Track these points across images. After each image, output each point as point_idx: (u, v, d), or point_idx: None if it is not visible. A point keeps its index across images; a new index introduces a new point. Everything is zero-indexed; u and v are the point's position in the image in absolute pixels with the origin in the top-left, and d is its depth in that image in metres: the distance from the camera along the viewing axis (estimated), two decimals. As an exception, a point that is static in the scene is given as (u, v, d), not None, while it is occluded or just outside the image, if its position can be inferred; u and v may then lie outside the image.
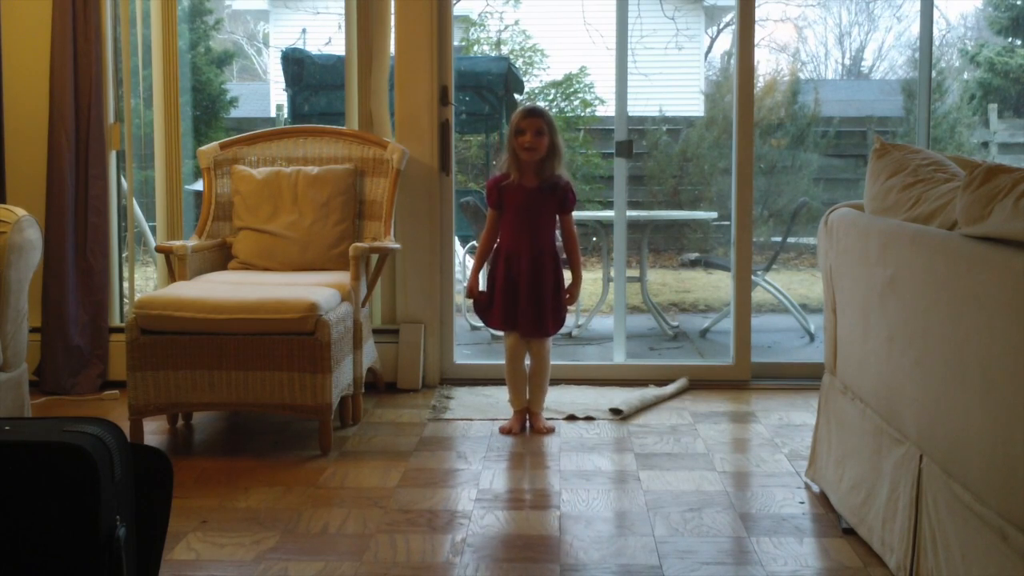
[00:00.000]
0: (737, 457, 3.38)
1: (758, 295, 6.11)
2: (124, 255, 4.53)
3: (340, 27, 4.47)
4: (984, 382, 1.86)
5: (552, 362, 3.74)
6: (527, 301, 3.59)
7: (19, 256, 3.05)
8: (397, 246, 3.97)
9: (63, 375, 4.18)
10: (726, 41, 12.27)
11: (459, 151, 9.23)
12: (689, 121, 9.65)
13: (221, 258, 4.00)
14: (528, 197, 3.59)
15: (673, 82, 10.14)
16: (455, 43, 4.55)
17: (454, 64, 4.37)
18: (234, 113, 8.92)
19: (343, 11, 4.36)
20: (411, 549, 2.56)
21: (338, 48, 7.54)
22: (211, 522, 2.74)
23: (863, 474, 2.56)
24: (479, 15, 10.77)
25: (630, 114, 4.55)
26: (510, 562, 2.49)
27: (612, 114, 4.77)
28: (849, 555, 2.51)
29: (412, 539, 2.62)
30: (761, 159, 8.89)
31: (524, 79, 9.97)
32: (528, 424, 3.70)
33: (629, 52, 4.50)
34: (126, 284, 4.53)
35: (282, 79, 7.44)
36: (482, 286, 3.73)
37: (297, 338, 3.28)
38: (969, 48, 11.10)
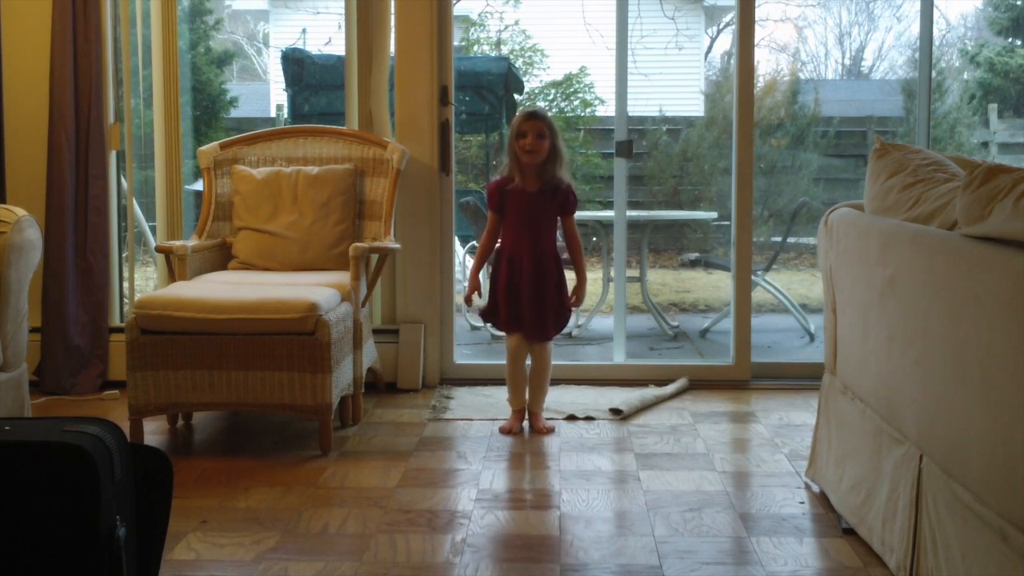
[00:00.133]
0: (737, 457, 3.38)
1: (758, 295, 6.11)
2: (124, 255, 4.53)
3: (340, 27, 4.47)
4: (984, 382, 1.86)
5: (552, 362, 3.74)
6: (530, 304, 3.59)
7: (19, 256, 3.05)
8: (397, 246, 3.97)
9: (63, 375, 4.18)
10: (726, 41, 12.27)
11: (459, 151, 9.23)
12: (689, 121, 9.65)
13: (221, 258, 4.00)
14: (529, 200, 3.60)
15: (673, 82, 10.14)
16: (455, 43, 4.55)
17: (454, 64, 4.37)
18: (234, 113, 8.92)
19: (343, 11, 4.36)
20: (411, 549, 2.56)
21: (338, 48, 7.53)
22: (211, 522, 2.74)
23: (863, 474, 2.56)
24: (479, 15, 10.77)
25: (630, 114, 4.55)
26: (510, 562, 2.49)
27: (612, 114, 4.77)
28: (849, 555, 2.51)
29: (412, 539, 2.62)
30: (761, 159, 8.89)
31: (524, 79, 9.97)
32: (528, 424, 3.70)
33: (629, 52, 4.50)
34: (126, 284, 4.53)
35: (282, 79, 7.43)
36: (483, 288, 3.73)
37: (297, 338, 3.28)
38: (969, 48, 11.10)
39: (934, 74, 8.57)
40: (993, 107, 9.52)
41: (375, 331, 4.21)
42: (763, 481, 3.10)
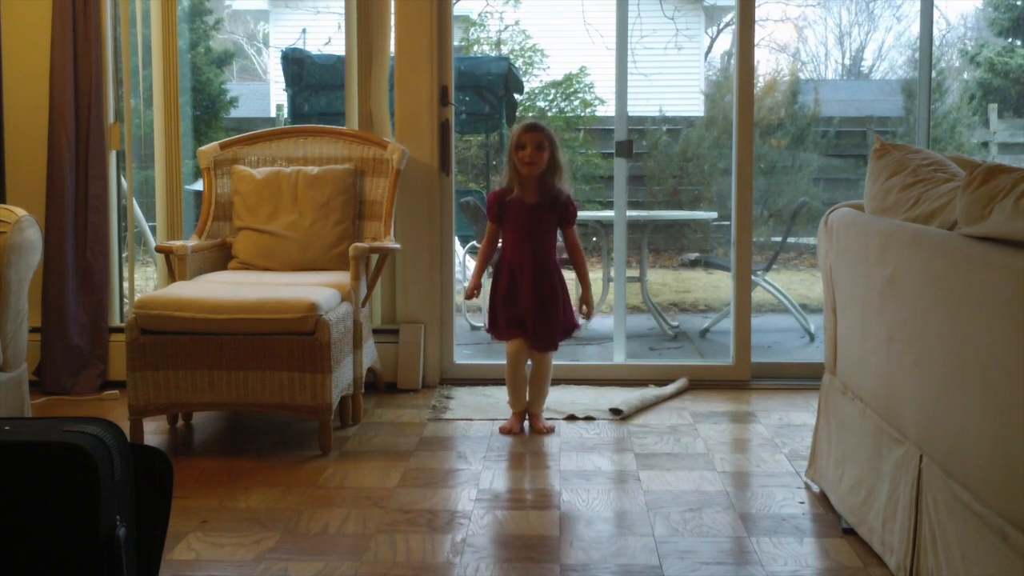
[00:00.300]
0: (737, 457, 3.38)
1: (758, 295, 6.11)
2: (124, 255, 4.53)
3: (340, 27, 4.47)
4: (984, 382, 1.86)
5: (552, 362, 3.74)
6: (533, 313, 3.59)
7: (19, 256, 3.05)
8: (397, 246, 3.97)
9: (63, 375, 4.18)
10: (726, 41, 12.27)
11: (459, 151, 9.23)
12: (689, 121, 9.65)
13: (221, 258, 4.00)
14: (529, 212, 3.60)
15: (673, 82, 10.15)
16: (455, 43, 4.55)
17: (454, 64, 4.37)
18: (234, 113, 8.92)
19: (343, 11, 4.36)
20: (411, 549, 2.56)
21: (338, 48, 7.54)
22: (211, 522, 2.74)
23: (863, 474, 2.56)
24: (479, 15, 10.77)
25: (630, 114, 4.55)
26: (510, 562, 2.49)
27: (612, 114, 4.77)
28: (849, 555, 2.51)
29: (412, 539, 2.62)
30: (761, 159, 8.89)
31: (524, 79, 9.97)
32: (528, 424, 3.70)
33: (629, 52, 4.50)
34: (126, 284, 4.53)
35: (282, 79, 7.43)
36: (485, 289, 3.74)
37: (297, 338, 3.28)
38: (969, 48, 11.10)
39: (934, 74, 8.57)
40: (993, 107, 9.52)
41: (375, 331, 4.21)
42: (763, 481, 3.10)
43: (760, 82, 9.68)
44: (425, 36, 4.25)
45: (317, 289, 3.44)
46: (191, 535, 2.64)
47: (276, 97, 10.49)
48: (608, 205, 7.99)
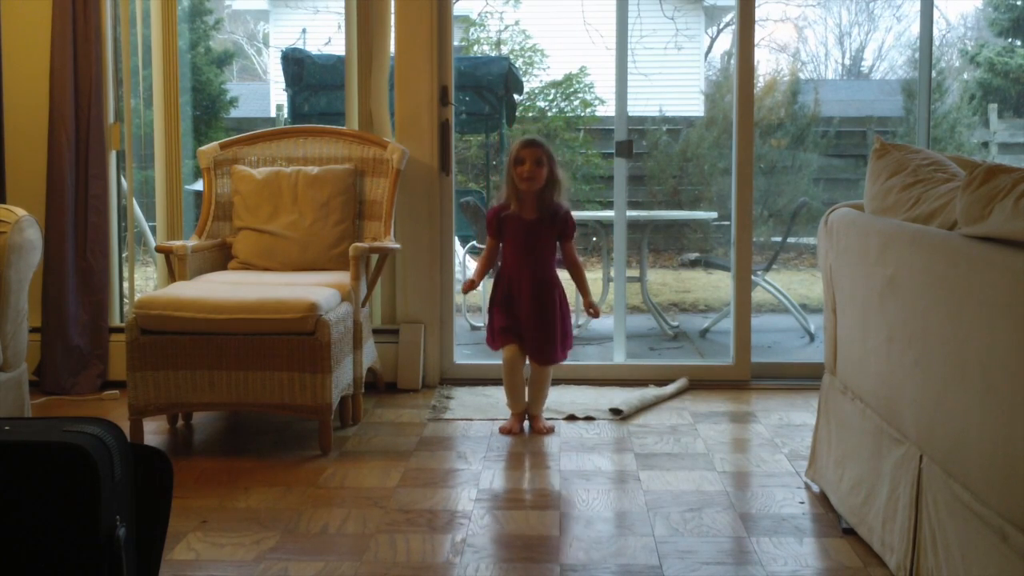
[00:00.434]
0: (737, 457, 3.38)
1: (758, 295, 6.11)
2: (124, 255, 4.53)
3: (340, 27, 4.47)
4: (984, 382, 1.86)
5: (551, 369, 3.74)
6: (533, 325, 3.60)
7: (19, 256, 3.05)
8: (397, 246, 3.97)
9: (63, 375, 4.18)
10: (726, 41, 12.28)
11: (459, 151, 9.23)
12: (689, 121, 9.65)
13: (221, 258, 4.00)
14: (528, 227, 3.60)
15: (673, 82, 10.15)
16: (455, 43, 4.55)
17: (454, 64, 4.37)
18: (234, 113, 8.92)
19: (343, 11, 4.36)
20: (411, 549, 2.56)
21: (338, 48, 7.54)
22: (211, 522, 2.74)
23: (863, 474, 2.56)
24: (479, 15, 10.76)
25: (630, 114, 4.55)
26: (510, 562, 2.49)
27: (612, 114, 4.77)
28: (849, 555, 2.51)
29: (412, 539, 2.62)
30: (761, 159, 8.89)
31: (524, 79, 9.97)
32: (528, 424, 3.70)
33: (629, 52, 4.50)
34: (126, 284, 4.53)
35: (282, 79, 7.44)
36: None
37: (297, 338, 3.28)
38: (969, 48, 11.10)
39: (934, 74, 8.57)
40: (993, 107, 9.52)
41: (375, 331, 4.21)
42: (763, 481, 3.10)
43: (760, 82, 9.68)
44: (425, 36, 4.25)
45: (317, 289, 3.44)
46: (191, 535, 2.64)
47: (276, 97, 10.50)
48: (608, 205, 7.99)
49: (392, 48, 4.31)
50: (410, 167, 4.21)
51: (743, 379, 4.37)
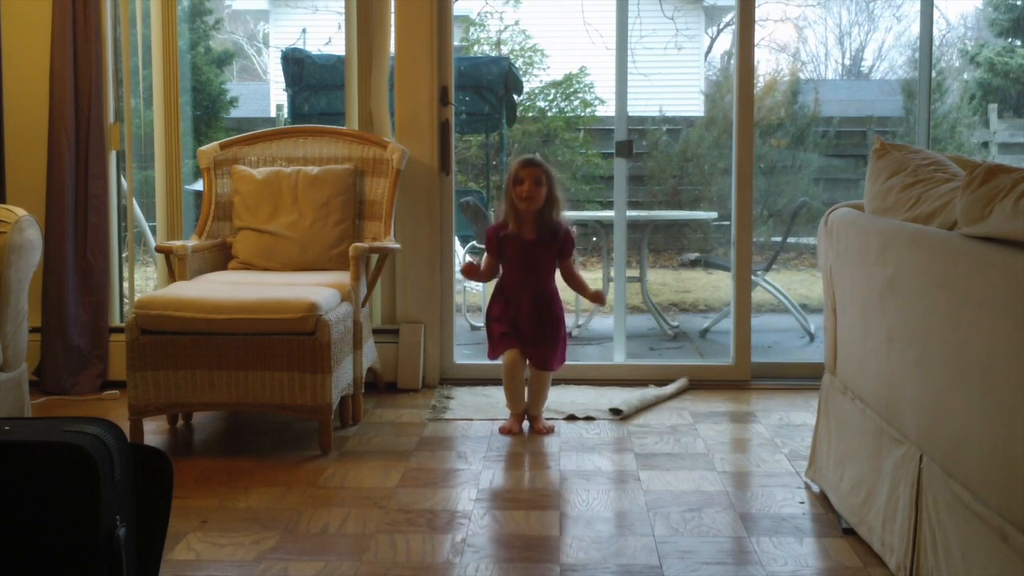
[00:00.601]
0: (737, 457, 3.38)
1: (758, 295, 6.11)
2: (124, 255, 4.53)
3: (340, 27, 4.47)
4: (984, 382, 1.86)
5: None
6: (534, 337, 3.62)
7: (19, 256, 3.05)
8: (397, 246, 3.97)
9: (63, 375, 4.18)
10: (726, 41, 12.27)
11: (459, 151, 9.23)
12: (689, 121, 9.65)
13: (221, 258, 4.00)
14: (528, 247, 3.62)
15: (673, 82, 10.14)
16: (455, 43, 4.55)
17: (454, 64, 4.37)
18: (234, 113, 8.92)
19: (343, 11, 4.36)
20: (411, 549, 2.56)
21: (338, 48, 7.53)
22: (211, 522, 2.74)
23: (863, 474, 2.56)
24: (479, 15, 10.76)
25: (630, 114, 4.55)
26: (510, 562, 2.49)
27: (612, 114, 4.77)
28: (849, 555, 2.51)
29: (412, 539, 2.62)
30: (761, 159, 8.89)
31: (524, 79, 9.96)
32: (528, 424, 3.70)
33: (629, 52, 4.50)
34: (126, 284, 4.53)
35: (282, 79, 7.43)
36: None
37: (297, 338, 3.28)
38: (969, 48, 11.10)
39: (934, 74, 8.57)
40: (993, 107, 9.52)
41: (375, 331, 4.21)
42: (763, 481, 3.10)
43: (760, 82, 9.68)
44: (425, 36, 4.25)
45: (317, 289, 3.44)
46: (191, 535, 2.64)
47: (276, 97, 10.49)
48: (608, 205, 7.99)
49: (392, 48, 4.31)
50: (410, 167, 4.21)
51: (743, 379, 4.37)
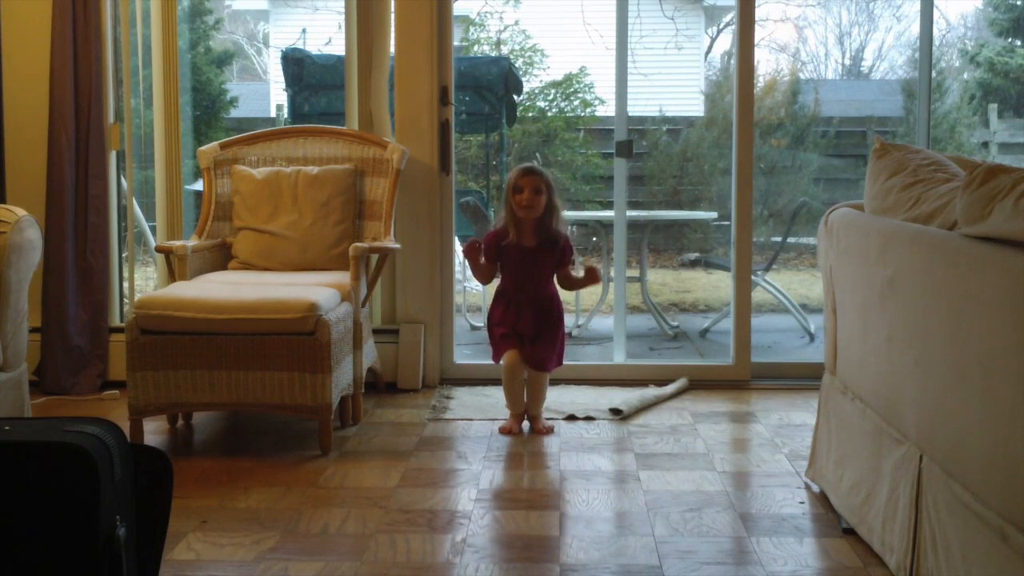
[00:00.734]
0: (737, 457, 3.38)
1: (758, 295, 6.11)
2: (124, 255, 4.53)
3: (340, 27, 4.47)
4: (984, 382, 1.86)
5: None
6: (533, 339, 3.63)
7: (19, 256, 3.05)
8: (397, 246, 3.97)
9: (63, 375, 4.18)
10: (726, 41, 12.27)
11: (459, 151, 9.23)
12: (689, 121, 9.65)
13: (221, 258, 4.00)
14: (527, 255, 3.63)
15: (673, 82, 10.14)
16: (455, 43, 4.55)
17: (454, 64, 4.37)
18: (234, 113, 8.92)
19: (343, 11, 4.36)
20: (411, 549, 2.56)
21: (338, 48, 7.53)
22: (211, 522, 2.74)
23: (863, 474, 2.56)
24: (479, 15, 10.76)
25: (630, 114, 4.55)
26: (510, 562, 2.49)
27: (612, 114, 4.77)
28: (849, 555, 2.51)
29: (412, 539, 2.62)
30: (761, 159, 8.89)
31: (524, 79, 9.96)
32: (528, 425, 3.70)
33: (629, 52, 4.50)
34: (126, 284, 4.53)
35: (282, 79, 7.43)
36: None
37: (297, 338, 3.28)
38: (969, 48, 11.10)
39: (934, 74, 8.57)
40: (993, 107, 9.52)
41: (375, 331, 4.21)
42: (763, 481, 3.10)
43: (760, 82, 9.68)
44: (425, 36, 4.25)
45: (317, 289, 3.44)
46: (191, 535, 2.64)
47: (276, 97, 10.49)
48: (608, 205, 7.99)
49: (392, 48, 4.31)
50: (410, 167, 4.21)
51: (743, 379, 4.37)
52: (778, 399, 4.13)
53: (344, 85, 4.39)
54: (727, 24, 12.17)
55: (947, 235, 2.08)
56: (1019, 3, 10.60)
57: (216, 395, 3.32)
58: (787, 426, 3.72)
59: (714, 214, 7.78)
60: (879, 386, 2.46)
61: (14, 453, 1.69)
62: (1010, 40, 10.64)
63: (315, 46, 9.33)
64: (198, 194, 4.91)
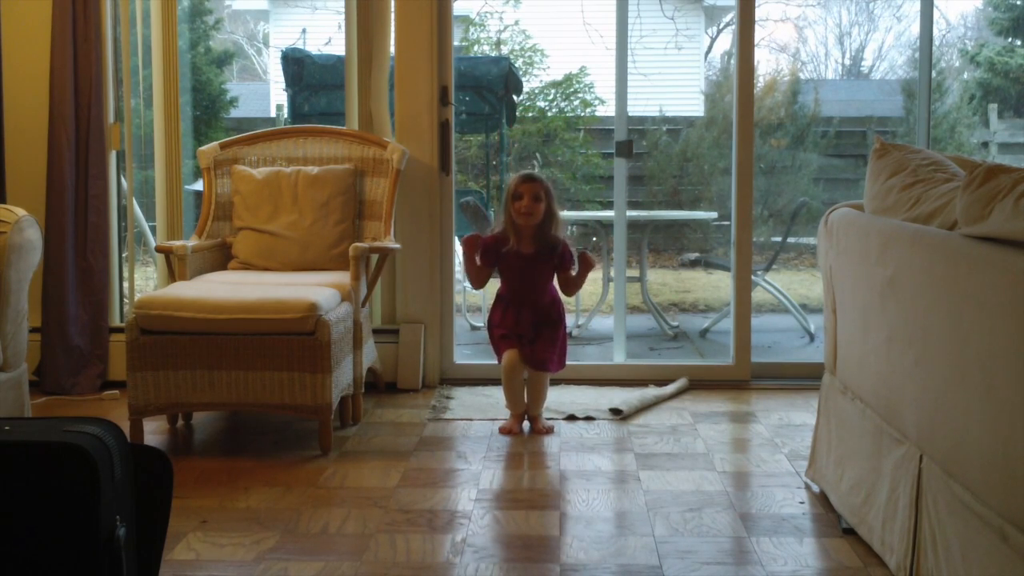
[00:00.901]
0: (737, 457, 3.38)
1: (758, 295, 6.11)
2: (124, 255, 4.53)
3: (340, 27, 4.47)
4: (984, 382, 1.86)
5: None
6: (533, 340, 3.63)
7: (19, 256, 3.05)
8: (397, 246, 3.97)
9: (63, 375, 4.18)
10: (726, 41, 12.27)
11: (459, 151, 9.22)
12: (689, 121, 9.65)
13: (221, 258, 4.00)
14: (526, 261, 3.63)
15: (673, 82, 10.14)
16: (455, 43, 4.55)
17: (454, 64, 4.37)
18: (234, 113, 8.92)
19: (343, 11, 4.36)
20: (411, 549, 2.56)
21: (338, 48, 7.54)
22: (211, 522, 2.74)
23: (863, 474, 2.56)
24: (479, 15, 10.76)
25: (630, 114, 4.55)
26: (510, 562, 2.49)
27: (612, 114, 4.77)
28: (849, 555, 2.51)
29: (412, 539, 2.62)
30: (761, 159, 8.89)
31: (524, 79, 9.96)
32: (528, 425, 3.70)
33: (629, 52, 4.50)
34: (126, 284, 4.53)
35: (282, 79, 7.43)
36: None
37: (297, 338, 3.28)
38: (969, 48, 11.10)
39: (934, 74, 8.57)
40: (993, 107, 9.52)
41: (375, 331, 4.21)
42: (763, 481, 3.10)
43: (760, 82, 9.68)
44: (425, 36, 4.25)
45: (317, 289, 3.44)
46: (191, 535, 2.64)
47: (276, 97, 10.49)
48: (608, 205, 7.99)
49: (392, 48, 4.31)
50: (410, 167, 4.21)
51: (743, 379, 4.37)
52: (778, 399, 4.13)
53: (344, 85, 4.39)
54: (727, 24, 12.17)
55: (947, 235, 2.08)
56: (1019, 3, 10.60)
57: (216, 395, 3.32)
58: (787, 426, 3.72)
59: (714, 214, 7.78)
60: (879, 386, 2.46)
61: (14, 453, 1.69)
62: (1010, 40, 10.64)
63: (315, 46, 9.34)
64: (198, 194, 4.91)
